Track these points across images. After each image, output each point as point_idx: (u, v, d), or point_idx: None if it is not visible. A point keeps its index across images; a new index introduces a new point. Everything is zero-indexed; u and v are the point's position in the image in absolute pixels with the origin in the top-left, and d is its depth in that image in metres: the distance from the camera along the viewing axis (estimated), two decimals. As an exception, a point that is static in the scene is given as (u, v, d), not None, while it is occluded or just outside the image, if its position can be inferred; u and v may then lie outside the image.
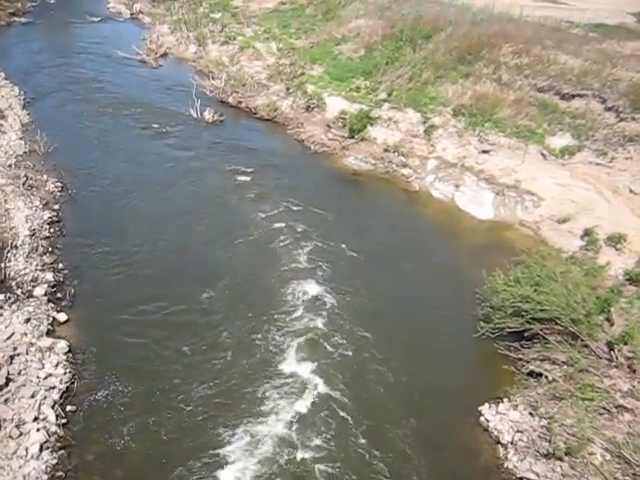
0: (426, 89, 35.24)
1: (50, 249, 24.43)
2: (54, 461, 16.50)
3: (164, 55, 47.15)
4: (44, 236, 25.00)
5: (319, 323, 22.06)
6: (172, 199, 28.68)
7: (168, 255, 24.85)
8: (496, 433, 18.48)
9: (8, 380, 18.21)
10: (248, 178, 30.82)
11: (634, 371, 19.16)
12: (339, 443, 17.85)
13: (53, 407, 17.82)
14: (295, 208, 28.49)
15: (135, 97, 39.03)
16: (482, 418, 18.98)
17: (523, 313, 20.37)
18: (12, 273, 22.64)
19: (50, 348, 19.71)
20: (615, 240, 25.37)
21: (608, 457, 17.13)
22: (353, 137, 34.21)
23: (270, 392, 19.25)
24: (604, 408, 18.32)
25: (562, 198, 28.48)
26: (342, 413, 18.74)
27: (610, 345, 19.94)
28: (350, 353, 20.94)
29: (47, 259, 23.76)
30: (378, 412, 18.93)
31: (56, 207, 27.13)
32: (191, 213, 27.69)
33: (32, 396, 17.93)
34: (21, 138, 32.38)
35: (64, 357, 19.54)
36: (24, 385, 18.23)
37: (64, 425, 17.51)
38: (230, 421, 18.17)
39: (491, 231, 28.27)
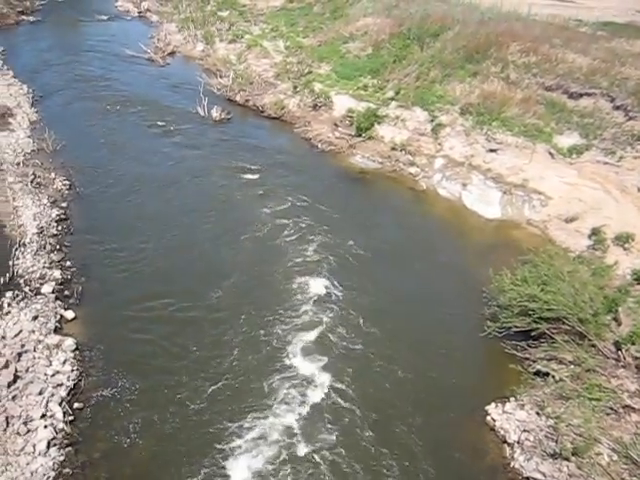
0: (433, 88, 35.18)
1: (58, 247, 24.56)
2: (61, 458, 16.62)
3: (172, 53, 47.26)
4: (52, 234, 25.13)
5: (326, 319, 22.12)
6: (178, 197, 28.74)
7: (175, 252, 24.92)
8: (502, 432, 18.47)
9: (16, 377, 18.32)
10: (255, 176, 30.87)
11: (642, 371, 19.11)
12: (345, 438, 17.94)
13: (60, 404, 17.93)
14: (302, 206, 28.52)
15: (143, 95, 39.12)
16: (488, 417, 18.97)
17: (530, 312, 20.33)
18: (20, 271, 22.78)
19: (58, 345, 19.81)
20: (623, 239, 25.25)
21: (615, 457, 17.10)
22: (360, 135, 34.19)
23: (276, 388, 19.34)
24: (611, 408, 18.28)
25: (570, 197, 28.38)
26: (349, 408, 18.83)
27: (617, 345, 19.88)
28: (356, 349, 21.00)
29: (55, 257, 23.88)
30: (384, 408, 18.99)
31: (64, 205, 27.27)
32: (197, 210, 27.76)
33: (40, 393, 18.03)
34: (29, 136, 32.59)
35: (71, 354, 19.65)
36: (32, 382, 18.34)
37: (71, 422, 17.62)
38: (236, 416, 18.27)
39: (498, 230, 28.21)
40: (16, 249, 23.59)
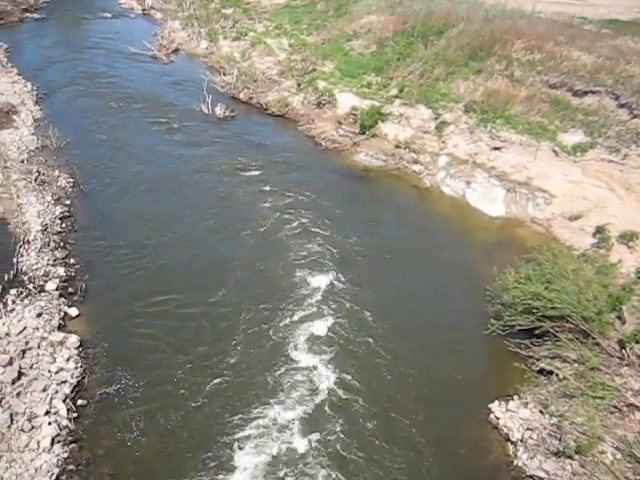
0: (437, 85, 35.11)
1: (62, 244, 24.61)
2: (65, 455, 16.67)
3: (175, 51, 47.22)
4: (56, 231, 25.18)
5: (329, 314, 22.19)
6: (181, 194, 28.75)
7: (178, 248, 24.96)
8: (506, 431, 18.46)
9: (20, 374, 18.37)
10: (258, 174, 30.86)
11: (646, 370, 19.08)
12: (348, 432, 18.03)
13: (64, 401, 17.98)
14: (305, 204, 28.51)
15: (146, 93, 39.13)
16: (492, 415, 18.97)
17: (534, 310, 20.31)
18: (24, 268, 22.85)
19: (61, 342, 19.86)
20: (627, 238, 25.18)
21: (619, 456, 17.10)
22: (364, 133, 34.15)
23: (279, 382, 19.44)
24: (615, 407, 18.27)
25: (574, 195, 28.31)
26: (351, 402, 18.91)
27: (621, 343, 19.85)
28: (359, 344, 21.06)
29: (59, 254, 23.92)
30: (387, 403, 19.04)
31: (68, 202, 27.32)
32: (201, 207, 27.79)
33: (44, 390, 18.09)
34: (33, 133, 32.61)
35: (75, 351, 19.71)
36: (36, 379, 18.39)
37: (75, 419, 17.68)
38: (239, 411, 18.37)
39: (502, 228, 28.16)
40: (20, 246, 23.65)
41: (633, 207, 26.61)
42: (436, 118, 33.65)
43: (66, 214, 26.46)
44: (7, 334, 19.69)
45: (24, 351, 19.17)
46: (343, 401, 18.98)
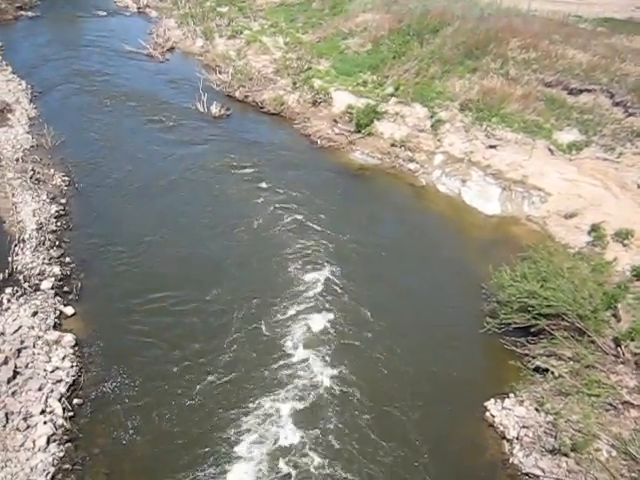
0: (433, 84, 35.13)
1: (57, 243, 24.55)
2: (61, 454, 16.64)
3: (171, 49, 47.10)
4: (51, 230, 25.11)
5: (324, 311, 22.19)
6: (177, 192, 28.70)
7: (173, 246, 24.91)
8: (502, 428, 18.48)
9: (15, 373, 18.33)
10: (253, 172, 30.82)
11: (641, 367, 19.13)
12: (343, 428, 18.04)
13: (60, 400, 17.95)
14: (301, 201, 28.48)
15: (142, 91, 39.04)
16: (487, 413, 18.99)
17: (529, 309, 20.32)
18: (19, 267, 22.78)
19: (57, 341, 19.82)
20: (622, 236, 25.24)
21: (614, 453, 17.13)
22: (360, 132, 34.11)
23: (275, 378, 19.45)
24: (610, 404, 18.31)
25: (569, 193, 28.35)
26: (347, 398, 18.94)
27: (617, 341, 19.89)
28: (355, 341, 21.07)
29: (54, 253, 23.86)
30: (383, 400, 19.06)
31: (63, 201, 27.26)
32: (196, 205, 27.76)
33: (39, 389, 18.05)
34: (28, 132, 32.50)
35: (71, 350, 19.67)
36: (31, 378, 18.35)
37: (71, 418, 17.65)
38: (235, 408, 18.35)
39: (498, 226, 28.18)
40: (15, 245, 23.59)
41: (628, 205, 26.67)
42: (432, 116, 33.64)
43: (61, 213, 26.38)
44: (2, 333, 19.64)
45: (19, 350, 19.12)
46: (338, 397, 18.99)
